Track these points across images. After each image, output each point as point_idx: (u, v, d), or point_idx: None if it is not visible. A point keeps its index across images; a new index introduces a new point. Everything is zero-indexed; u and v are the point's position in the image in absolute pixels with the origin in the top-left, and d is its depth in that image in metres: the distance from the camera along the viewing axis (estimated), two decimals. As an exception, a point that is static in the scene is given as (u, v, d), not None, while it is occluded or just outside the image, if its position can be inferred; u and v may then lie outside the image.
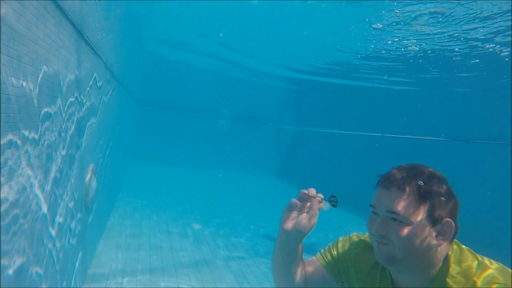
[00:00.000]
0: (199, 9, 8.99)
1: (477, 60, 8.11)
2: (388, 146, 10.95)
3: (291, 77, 15.74)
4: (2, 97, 1.44)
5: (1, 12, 1.38)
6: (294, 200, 1.44)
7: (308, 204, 1.42)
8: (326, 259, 1.59)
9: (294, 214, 1.44)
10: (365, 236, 1.52)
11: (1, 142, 1.47)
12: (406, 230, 1.18)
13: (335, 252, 1.58)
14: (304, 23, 8.69)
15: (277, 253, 1.55)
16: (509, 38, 6.74)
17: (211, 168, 15.61)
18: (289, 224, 1.45)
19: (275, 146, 17.81)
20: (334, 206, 1.42)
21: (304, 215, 1.42)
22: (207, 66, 15.56)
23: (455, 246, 1.26)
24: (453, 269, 1.21)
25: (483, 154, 8.03)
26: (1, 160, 1.49)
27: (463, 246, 1.28)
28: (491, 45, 7.28)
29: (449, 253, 1.24)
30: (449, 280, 1.20)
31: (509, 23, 6.18)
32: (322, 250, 1.66)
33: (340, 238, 1.62)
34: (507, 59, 7.32)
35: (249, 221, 8.17)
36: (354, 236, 1.57)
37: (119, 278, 4.34)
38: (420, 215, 1.19)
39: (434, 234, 1.20)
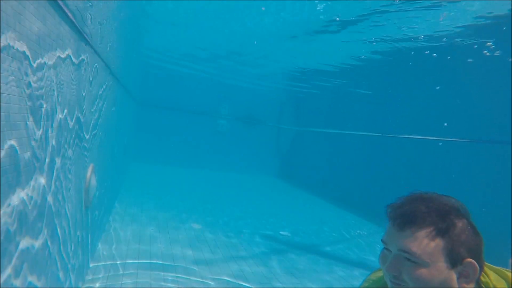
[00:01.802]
0: (198, 11, 9.00)
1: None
2: (389, 146, 10.95)
3: (291, 77, 15.74)
4: (2, 96, 1.44)
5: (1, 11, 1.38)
6: None
7: None
8: None
9: None
10: (372, 280, 1.40)
11: (2, 141, 1.47)
12: (421, 272, 1.06)
13: None
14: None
15: None
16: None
17: (211, 168, 15.63)
18: None
19: (275, 146, 17.81)
20: None
21: None
22: (207, 66, 15.58)
23: (484, 273, 1.14)
24: None
25: (483, 154, 8.03)
26: (1, 161, 1.49)
27: (491, 270, 1.16)
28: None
29: (482, 279, 1.12)
30: None
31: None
32: None
33: (367, 279, 1.47)
34: (508, 59, 7.32)
35: (249, 221, 8.17)
36: (371, 279, 1.42)
37: (119, 278, 4.35)
38: (437, 255, 1.06)
39: (454, 276, 1.07)
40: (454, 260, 1.06)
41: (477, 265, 1.07)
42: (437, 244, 1.06)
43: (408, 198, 1.17)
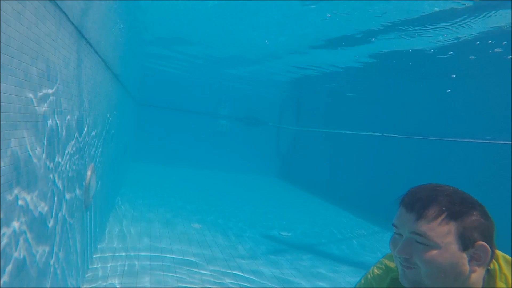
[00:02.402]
0: (198, 11, 9.00)
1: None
2: (389, 146, 10.95)
3: (291, 77, 15.73)
4: (2, 96, 1.44)
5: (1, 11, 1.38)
6: None
7: None
8: None
9: None
10: (382, 267, 1.41)
11: (2, 140, 1.47)
12: (432, 254, 1.07)
13: (370, 281, 1.42)
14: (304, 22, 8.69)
15: None
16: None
17: (211, 168, 15.63)
18: None
19: (275, 146, 17.82)
20: None
21: None
22: (207, 67, 15.58)
23: (494, 260, 1.14)
24: (501, 286, 1.10)
25: (483, 154, 8.03)
26: (2, 161, 1.49)
27: (505, 256, 1.16)
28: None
29: (491, 267, 1.13)
30: None
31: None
32: (362, 279, 1.50)
33: (375, 266, 1.46)
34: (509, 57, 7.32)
35: (249, 221, 8.17)
36: (374, 272, 1.41)
37: (119, 277, 4.35)
38: (449, 238, 1.06)
39: (466, 259, 1.07)
40: (466, 243, 1.06)
41: (489, 248, 1.07)
42: (449, 227, 1.07)
43: (421, 185, 1.18)
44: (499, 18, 6.29)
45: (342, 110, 13.94)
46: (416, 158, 9.79)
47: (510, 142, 7.09)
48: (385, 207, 9.72)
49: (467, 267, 1.07)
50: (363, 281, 1.44)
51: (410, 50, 9.02)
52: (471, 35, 7.24)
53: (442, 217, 1.07)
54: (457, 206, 1.08)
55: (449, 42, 7.85)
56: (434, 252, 1.06)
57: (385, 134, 10.93)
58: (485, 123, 8.11)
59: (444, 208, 1.08)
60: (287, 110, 17.84)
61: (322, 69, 12.98)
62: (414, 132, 9.83)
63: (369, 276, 1.42)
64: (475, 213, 1.09)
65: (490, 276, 1.13)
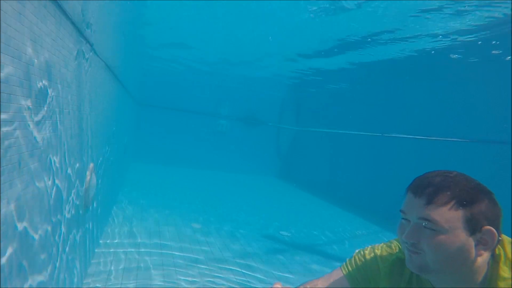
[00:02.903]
0: (198, 12, 9.01)
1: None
2: (389, 146, 10.95)
3: (291, 77, 15.73)
4: (2, 96, 1.45)
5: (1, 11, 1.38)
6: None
7: None
8: (351, 270, 1.48)
9: None
10: (391, 246, 1.42)
11: (3, 140, 1.47)
12: (439, 239, 1.08)
13: (361, 263, 1.47)
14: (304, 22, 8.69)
15: None
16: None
17: (211, 168, 15.62)
18: None
19: (275, 146, 17.81)
20: None
21: None
22: (207, 67, 15.59)
23: (499, 246, 1.15)
24: (504, 270, 1.11)
25: (483, 154, 8.03)
26: (2, 161, 1.49)
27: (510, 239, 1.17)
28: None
29: (496, 252, 1.14)
30: (501, 283, 1.10)
31: None
32: (348, 260, 1.55)
33: (368, 249, 1.51)
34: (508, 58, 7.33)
35: (249, 221, 8.17)
36: (383, 250, 1.43)
37: (119, 278, 4.35)
38: (456, 223, 1.07)
39: (473, 243, 1.09)
40: (472, 228, 1.08)
41: (495, 232, 1.08)
42: (456, 212, 1.08)
43: (431, 172, 1.19)
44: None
45: (342, 110, 13.93)
46: (416, 158, 9.78)
47: (510, 142, 7.09)
48: (385, 207, 9.72)
49: (473, 252, 1.09)
50: (367, 255, 1.46)
51: (408, 51, 9.03)
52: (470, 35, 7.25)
53: (451, 203, 1.08)
54: (467, 193, 1.09)
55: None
56: (442, 237, 1.08)
57: (385, 134, 10.93)
58: (485, 123, 8.11)
59: (453, 195, 1.09)
60: (287, 110, 17.83)
61: (322, 69, 12.99)
62: (414, 132, 9.83)
63: (377, 252, 1.44)
64: (484, 201, 1.09)
65: (494, 260, 1.14)
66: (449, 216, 1.08)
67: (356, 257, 1.50)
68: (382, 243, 1.47)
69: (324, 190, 13.15)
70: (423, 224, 1.11)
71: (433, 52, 8.57)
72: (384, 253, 1.42)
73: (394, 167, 10.47)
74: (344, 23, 8.08)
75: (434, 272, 1.12)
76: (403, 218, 1.19)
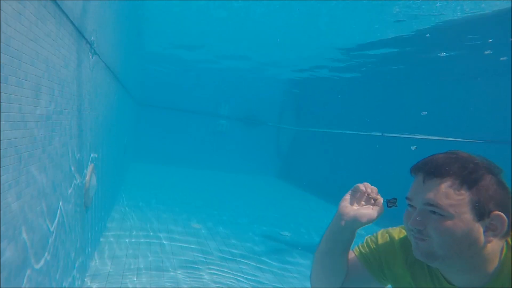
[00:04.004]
0: (198, 11, 9.01)
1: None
2: (389, 146, 10.94)
3: (291, 76, 15.74)
4: (2, 96, 1.45)
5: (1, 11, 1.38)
6: (360, 185, 1.39)
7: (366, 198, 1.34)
8: (364, 252, 1.44)
9: (354, 201, 1.35)
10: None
11: (3, 139, 1.47)
12: (446, 224, 1.03)
13: (374, 246, 1.43)
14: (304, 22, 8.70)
15: (327, 241, 1.37)
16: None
17: (211, 168, 15.62)
18: (349, 210, 1.33)
19: (275, 146, 17.80)
20: (390, 207, 1.31)
21: (367, 206, 1.33)
22: (207, 67, 15.60)
23: None
24: None
25: (483, 154, 8.01)
26: (2, 159, 1.49)
27: None
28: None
29: (510, 242, 1.09)
30: None
31: None
32: (360, 244, 1.49)
33: (380, 232, 1.48)
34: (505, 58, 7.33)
35: (249, 220, 8.17)
36: (394, 233, 1.42)
37: (119, 278, 4.35)
38: (463, 207, 1.03)
39: (481, 229, 1.03)
40: (480, 213, 1.03)
41: (505, 218, 1.03)
42: (463, 196, 1.03)
43: (434, 155, 1.15)
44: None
45: (342, 110, 13.92)
46: (416, 158, 9.77)
47: (510, 142, 7.08)
48: (385, 207, 9.69)
49: (481, 238, 1.04)
50: (380, 238, 1.43)
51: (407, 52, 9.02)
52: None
53: (455, 186, 1.04)
54: (470, 174, 1.04)
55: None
56: (448, 222, 1.03)
57: (385, 134, 10.93)
58: (485, 123, 8.11)
59: (456, 177, 1.05)
60: (287, 110, 17.83)
61: (322, 69, 12.99)
62: (415, 132, 9.83)
63: (393, 234, 1.41)
64: (491, 182, 1.04)
65: (509, 248, 1.09)
66: (455, 200, 1.03)
67: (369, 240, 1.47)
68: (399, 226, 1.42)
69: (324, 190, 13.14)
70: (429, 209, 1.07)
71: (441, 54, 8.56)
72: (402, 235, 1.37)
73: (394, 167, 10.46)
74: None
75: (441, 259, 1.07)
76: (409, 205, 1.16)
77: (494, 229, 1.04)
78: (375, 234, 1.48)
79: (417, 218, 1.09)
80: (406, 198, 1.17)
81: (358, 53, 10.56)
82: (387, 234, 1.43)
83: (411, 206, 1.15)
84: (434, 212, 1.06)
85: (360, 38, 9.33)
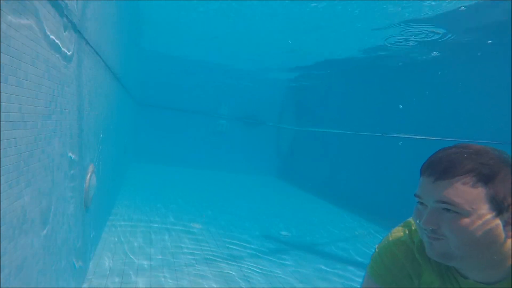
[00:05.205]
0: (198, 11, 9.01)
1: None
2: (389, 146, 10.94)
3: (291, 76, 15.74)
4: (2, 96, 1.45)
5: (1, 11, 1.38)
6: None
7: None
8: (379, 274, 1.30)
9: None
10: (403, 231, 1.27)
11: (3, 142, 1.47)
12: (463, 222, 0.96)
13: (384, 265, 1.30)
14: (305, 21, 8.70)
15: None
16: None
17: (211, 168, 15.62)
18: None
19: (275, 146, 17.80)
20: None
21: None
22: (207, 66, 15.60)
23: None
24: None
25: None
26: (2, 159, 1.49)
27: None
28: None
29: None
30: None
31: None
32: (370, 268, 1.36)
33: (381, 249, 1.35)
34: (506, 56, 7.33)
35: (249, 220, 8.17)
36: (393, 244, 1.29)
37: (119, 278, 4.35)
38: (480, 202, 0.96)
39: (500, 225, 0.97)
40: (499, 207, 0.96)
41: None
42: (479, 191, 0.96)
43: (444, 148, 1.09)
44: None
45: (342, 110, 13.92)
46: (416, 158, 9.78)
47: (510, 142, 7.08)
48: (385, 207, 9.71)
49: (502, 234, 0.97)
50: (392, 255, 1.28)
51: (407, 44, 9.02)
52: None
53: (470, 181, 0.97)
54: (485, 167, 0.98)
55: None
56: (465, 220, 0.96)
57: (385, 134, 10.93)
58: (485, 123, 8.11)
59: (470, 171, 0.98)
60: (287, 110, 17.83)
61: (322, 70, 12.99)
62: (414, 132, 9.83)
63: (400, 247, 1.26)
64: (506, 175, 0.97)
65: None
66: (470, 195, 0.96)
67: (384, 257, 1.31)
68: (399, 228, 1.30)
69: (324, 190, 13.15)
70: (442, 207, 1.00)
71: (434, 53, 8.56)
72: (406, 237, 1.26)
73: (395, 167, 10.47)
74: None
75: (458, 259, 1.01)
76: (418, 202, 1.08)
77: None
78: (378, 253, 1.35)
79: (430, 217, 1.02)
80: (415, 195, 1.09)
81: (359, 53, 10.57)
82: (390, 251, 1.29)
83: (421, 203, 1.08)
84: (448, 210, 0.99)
85: (359, 38, 9.33)
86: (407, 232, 1.27)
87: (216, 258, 5.50)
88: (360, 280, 5.53)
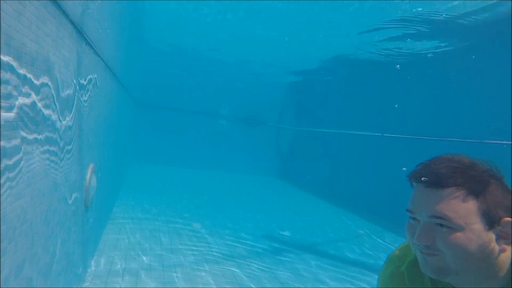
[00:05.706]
0: (198, 11, 9.00)
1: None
2: (389, 146, 10.94)
3: (291, 76, 15.74)
4: (2, 96, 1.45)
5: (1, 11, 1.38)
6: None
7: None
8: None
9: None
10: (399, 257, 1.26)
11: (3, 139, 1.47)
12: (457, 237, 0.97)
13: None
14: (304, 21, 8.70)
15: None
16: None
17: (211, 168, 15.62)
18: None
19: (275, 146, 17.80)
20: None
21: None
22: (207, 66, 15.59)
23: None
24: None
25: (483, 154, 8.01)
26: (2, 160, 1.49)
27: None
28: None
29: None
30: None
31: None
32: None
33: (381, 283, 1.31)
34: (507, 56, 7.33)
35: (249, 221, 8.17)
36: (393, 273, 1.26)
37: (119, 278, 4.35)
38: (472, 217, 0.97)
39: (493, 238, 0.99)
40: (491, 221, 0.98)
41: None
42: (471, 205, 0.98)
43: (434, 159, 1.08)
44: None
45: (342, 110, 13.92)
46: (416, 158, 9.77)
47: (510, 142, 7.08)
48: (385, 207, 9.71)
49: (495, 247, 0.99)
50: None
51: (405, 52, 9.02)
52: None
53: (462, 196, 0.98)
54: (476, 182, 0.99)
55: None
56: (459, 234, 0.97)
57: (385, 134, 10.93)
58: (485, 123, 8.11)
59: (462, 186, 0.99)
60: (287, 110, 17.83)
61: (322, 69, 12.99)
62: (414, 132, 9.83)
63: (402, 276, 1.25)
64: (497, 188, 0.99)
65: None
66: (462, 210, 0.97)
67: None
68: (397, 251, 1.28)
69: (324, 190, 13.15)
70: (435, 222, 1.00)
71: (430, 55, 8.57)
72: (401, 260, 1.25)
73: (395, 167, 10.46)
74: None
75: (454, 274, 1.01)
76: (410, 217, 1.08)
77: (506, 237, 1.00)
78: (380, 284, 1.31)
79: (423, 232, 1.02)
80: (407, 210, 1.09)
81: (358, 53, 10.56)
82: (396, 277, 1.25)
83: (413, 218, 1.07)
84: (441, 225, 1.00)
85: (360, 39, 9.33)
86: (397, 263, 1.26)
87: (215, 258, 5.50)
88: (360, 280, 5.53)
